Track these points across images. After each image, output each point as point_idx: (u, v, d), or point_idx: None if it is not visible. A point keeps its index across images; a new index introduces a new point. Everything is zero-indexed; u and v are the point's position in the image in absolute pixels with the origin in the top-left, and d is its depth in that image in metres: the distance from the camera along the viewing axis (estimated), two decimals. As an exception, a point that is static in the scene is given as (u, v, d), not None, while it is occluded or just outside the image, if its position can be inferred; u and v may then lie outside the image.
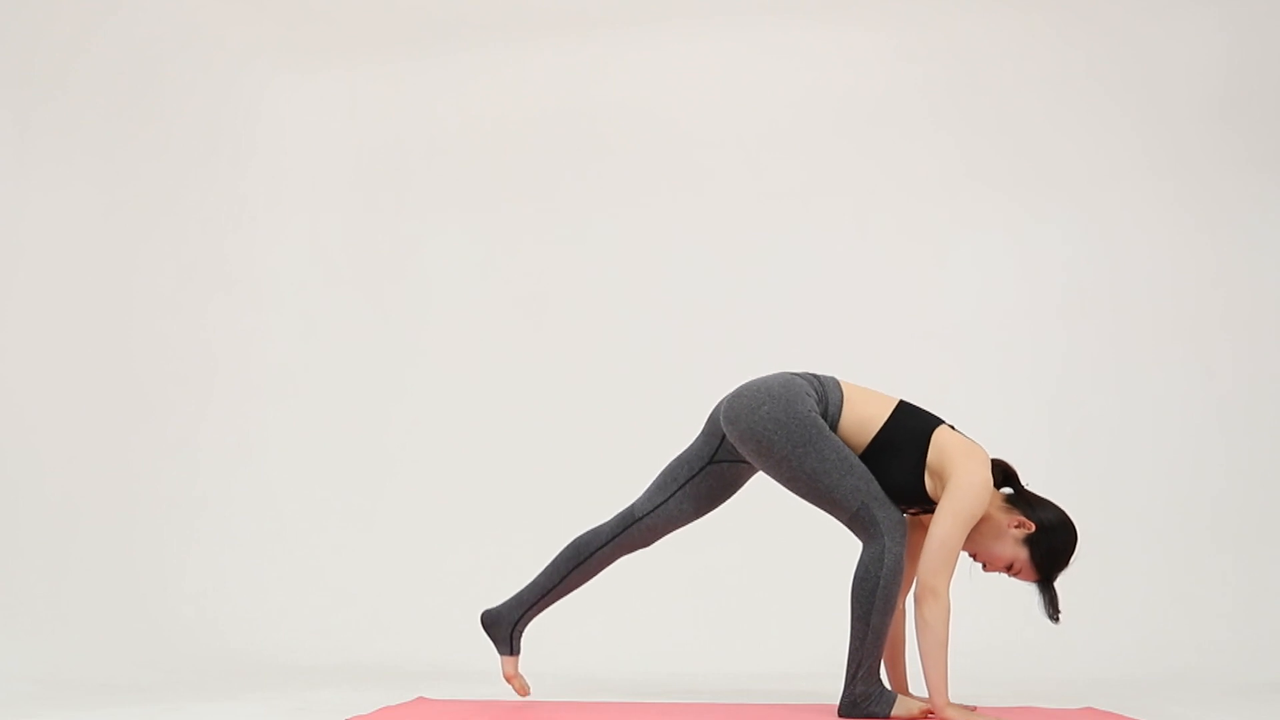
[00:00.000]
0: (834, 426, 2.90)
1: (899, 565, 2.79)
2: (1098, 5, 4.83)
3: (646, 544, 3.10)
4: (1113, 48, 4.80)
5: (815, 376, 2.97)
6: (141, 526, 4.61)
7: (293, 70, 5.06)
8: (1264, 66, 4.70)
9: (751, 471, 3.06)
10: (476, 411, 4.79)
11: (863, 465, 2.86)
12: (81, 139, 4.71)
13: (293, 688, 3.54)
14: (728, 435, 2.95)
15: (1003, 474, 2.89)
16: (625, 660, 4.10)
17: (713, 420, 3.05)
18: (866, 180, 4.85)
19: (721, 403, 3.01)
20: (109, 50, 4.78)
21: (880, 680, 2.82)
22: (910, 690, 3.06)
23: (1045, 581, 2.83)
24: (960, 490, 2.75)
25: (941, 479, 2.81)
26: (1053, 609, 2.82)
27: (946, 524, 2.74)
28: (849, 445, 2.89)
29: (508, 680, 3.10)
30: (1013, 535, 2.81)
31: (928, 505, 2.87)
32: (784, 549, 4.26)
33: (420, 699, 3.25)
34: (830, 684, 3.13)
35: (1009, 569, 2.84)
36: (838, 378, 3.00)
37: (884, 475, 2.87)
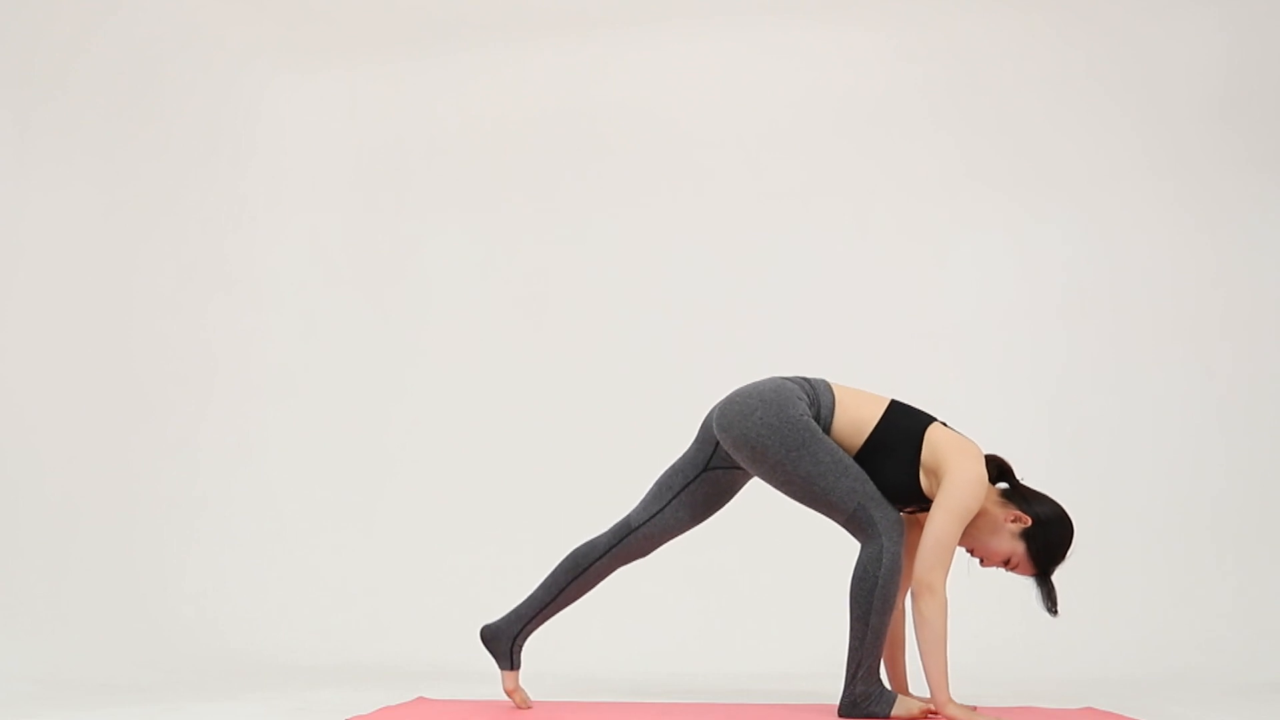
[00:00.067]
0: (827, 429, 2.90)
1: (897, 565, 2.79)
2: (1098, 5, 4.83)
3: (644, 554, 3.08)
4: (1113, 48, 4.80)
5: (806, 380, 2.96)
6: (141, 526, 4.61)
7: (293, 70, 5.06)
8: (1264, 66, 4.70)
9: (747, 477, 3.05)
10: (476, 411, 4.79)
11: (858, 466, 2.86)
12: (81, 139, 4.71)
13: (293, 688, 3.54)
14: (721, 442, 2.94)
15: (997, 469, 2.90)
16: (625, 660, 4.10)
17: (705, 427, 3.04)
18: (866, 180, 4.84)
19: (714, 410, 3.00)
20: (109, 50, 4.78)
21: (880, 680, 2.82)
22: (910, 690, 3.06)
23: (1043, 575, 2.84)
24: (955, 486, 2.76)
25: (936, 476, 2.81)
26: (1051, 603, 2.83)
27: (942, 520, 2.74)
28: (843, 447, 2.89)
29: (509, 695, 3.08)
30: (1009, 530, 2.82)
31: (924, 503, 2.87)
32: (784, 549, 4.25)
33: (420, 699, 3.25)
34: (830, 684, 3.13)
35: (1006, 564, 2.85)
36: (828, 380, 2.99)
37: (879, 475, 2.87)
